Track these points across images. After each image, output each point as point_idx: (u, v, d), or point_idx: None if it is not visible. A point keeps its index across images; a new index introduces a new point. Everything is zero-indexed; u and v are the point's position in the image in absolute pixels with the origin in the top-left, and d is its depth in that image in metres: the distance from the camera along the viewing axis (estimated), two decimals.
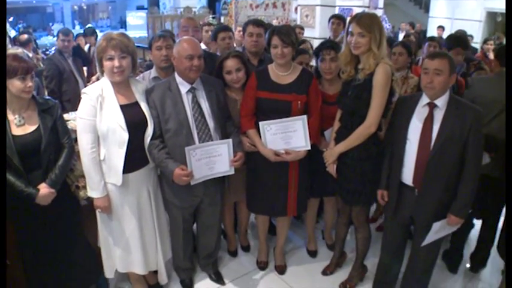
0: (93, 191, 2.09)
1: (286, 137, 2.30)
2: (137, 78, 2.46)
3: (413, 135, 2.10)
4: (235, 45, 3.54)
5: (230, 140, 2.24)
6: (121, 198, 2.15)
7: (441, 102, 2.06)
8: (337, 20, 4.19)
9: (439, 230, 2.12)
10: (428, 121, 2.07)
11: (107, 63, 2.01)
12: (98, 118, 2.02)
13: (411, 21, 10.38)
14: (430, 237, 2.14)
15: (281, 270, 2.80)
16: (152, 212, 2.27)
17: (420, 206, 2.15)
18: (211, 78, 2.38)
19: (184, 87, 2.22)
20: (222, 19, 11.20)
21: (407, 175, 2.15)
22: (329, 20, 4.28)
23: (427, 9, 12.58)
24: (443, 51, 2.73)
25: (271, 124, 2.28)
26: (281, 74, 2.41)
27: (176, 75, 2.24)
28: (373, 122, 2.16)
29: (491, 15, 11.64)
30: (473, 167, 2.03)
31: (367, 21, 2.13)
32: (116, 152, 2.04)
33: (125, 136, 2.02)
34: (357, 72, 2.20)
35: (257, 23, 2.85)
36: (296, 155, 2.37)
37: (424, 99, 2.11)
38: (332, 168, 2.33)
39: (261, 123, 2.27)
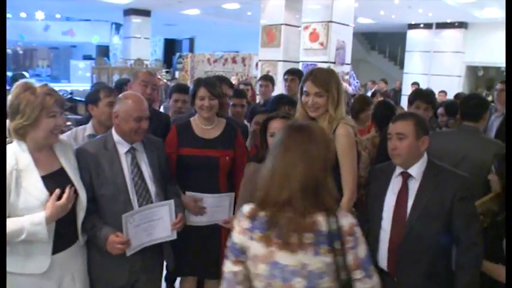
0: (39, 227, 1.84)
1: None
2: (66, 134, 2.46)
3: (388, 211, 2.07)
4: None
5: (172, 201, 2.26)
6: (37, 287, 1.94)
7: (416, 170, 2.03)
8: (291, 75, 4.34)
9: None
10: (403, 194, 2.03)
11: (49, 121, 1.88)
12: (13, 197, 1.84)
13: (384, 77, 11.12)
14: None
15: None
16: None
17: None
18: (153, 138, 2.42)
19: (123, 146, 2.23)
20: (177, 74, 11.68)
21: (382, 259, 2.08)
22: (283, 76, 4.49)
23: (402, 65, 13.56)
24: (409, 111, 2.83)
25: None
26: (205, 127, 2.56)
27: (114, 132, 2.26)
28: (352, 191, 2.22)
29: (472, 70, 12.73)
30: (469, 247, 1.89)
31: (323, 78, 2.24)
32: None
33: None
34: None
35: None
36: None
37: (398, 169, 2.09)
38: None
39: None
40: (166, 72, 11.36)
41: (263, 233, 1.40)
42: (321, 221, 1.39)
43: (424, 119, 2.14)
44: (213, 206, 2.53)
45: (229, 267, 1.47)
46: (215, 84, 2.57)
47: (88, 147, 2.23)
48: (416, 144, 2.01)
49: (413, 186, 2.03)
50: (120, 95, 2.33)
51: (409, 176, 2.04)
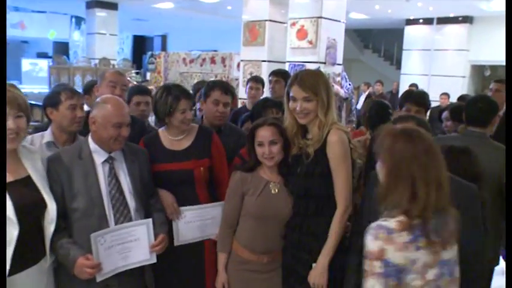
0: None
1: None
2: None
3: None
4: None
5: (150, 220, 2.31)
6: None
7: None
8: (276, 77, 4.45)
9: None
10: None
11: None
12: None
13: (379, 79, 11.40)
14: None
15: None
16: None
17: None
18: (134, 146, 2.50)
19: (99, 156, 2.30)
20: (148, 75, 11.70)
21: None
22: (268, 78, 4.61)
23: (399, 65, 13.88)
24: (409, 114, 2.93)
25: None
26: (175, 138, 2.66)
27: (90, 139, 2.32)
28: (348, 203, 2.32)
29: (478, 69, 12.71)
30: (475, 260, 1.99)
31: (311, 81, 2.32)
32: None
33: (14, 230, 1.94)
34: (307, 144, 2.37)
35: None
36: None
37: None
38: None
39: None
40: (137, 73, 11.43)
41: (427, 239, 1.59)
42: (449, 208, 1.68)
43: (425, 121, 2.27)
44: (204, 218, 2.62)
45: None
46: (190, 92, 2.70)
47: (60, 156, 2.28)
48: None
49: None
50: (98, 99, 2.40)
51: None
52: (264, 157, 2.41)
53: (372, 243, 1.60)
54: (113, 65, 11.69)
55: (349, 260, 2.27)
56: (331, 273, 2.31)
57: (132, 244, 2.26)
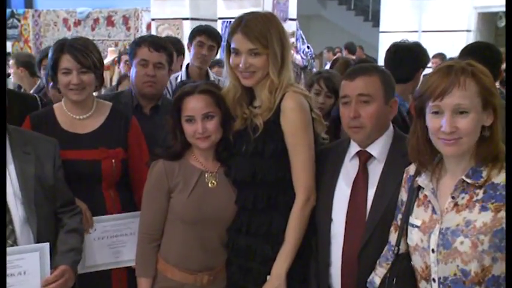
0: None
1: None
2: None
3: (339, 210, 2.37)
4: None
5: (46, 245, 2.35)
6: None
7: (378, 148, 2.35)
8: (205, 37, 4.52)
9: None
10: (360, 183, 2.35)
11: None
12: None
13: (350, 41, 11.67)
14: None
15: None
16: None
17: None
18: (34, 134, 2.59)
19: None
20: (10, 46, 11.28)
21: (335, 278, 2.41)
22: (190, 39, 4.63)
23: (377, 21, 14.29)
24: (370, 64, 3.16)
25: None
26: (77, 117, 2.81)
27: None
28: (310, 191, 2.47)
29: (488, 19, 12.59)
30: None
31: (260, 28, 2.44)
32: None
33: None
34: (255, 114, 2.51)
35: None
36: None
37: (353, 147, 2.42)
38: None
39: None
40: None
41: None
42: None
43: (387, 73, 2.47)
44: (121, 234, 2.79)
45: None
46: (87, 48, 2.77)
47: None
48: (385, 110, 2.37)
49: (375, 171, 2.37)
50: None
51: (370, 156, 2.39)
52: (196, 137, 2.54)
53: None
54: None
55: (311, 245, 2.53)
56: (291, 285, 2.52)
57: (15, 279, 2.31)
